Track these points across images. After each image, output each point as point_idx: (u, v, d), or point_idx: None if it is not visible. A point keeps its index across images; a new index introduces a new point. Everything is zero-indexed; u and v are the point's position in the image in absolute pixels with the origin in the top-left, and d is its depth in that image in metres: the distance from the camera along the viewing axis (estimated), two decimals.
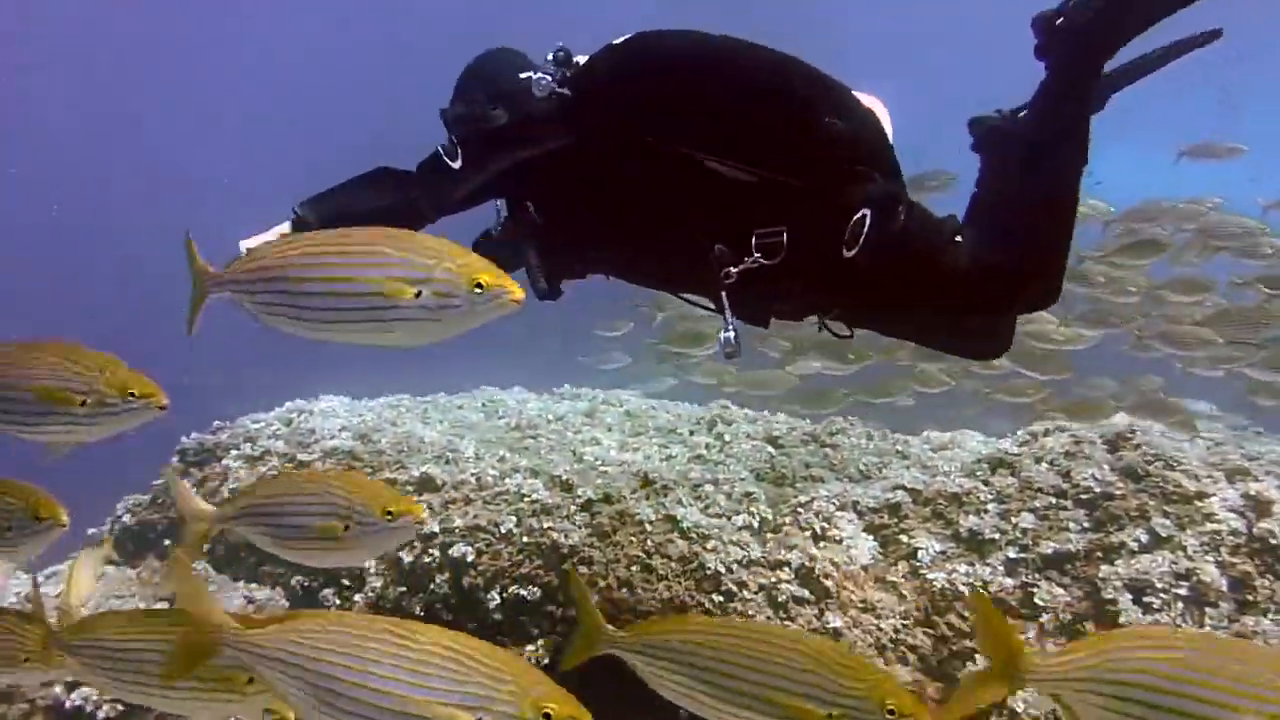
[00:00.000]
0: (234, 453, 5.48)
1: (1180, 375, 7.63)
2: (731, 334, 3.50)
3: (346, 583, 4.90)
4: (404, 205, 3.39)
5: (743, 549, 4.79)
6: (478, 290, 2.32)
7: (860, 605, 4.63)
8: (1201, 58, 3.38)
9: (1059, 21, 3.33)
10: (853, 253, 3.29)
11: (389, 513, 2.85)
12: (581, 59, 3.56)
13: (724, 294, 3.42)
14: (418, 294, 2.31)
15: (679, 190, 3.36)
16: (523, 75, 3.44)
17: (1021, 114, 3.52)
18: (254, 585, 4.70)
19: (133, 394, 2.59)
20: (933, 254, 3.37)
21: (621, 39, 3.56)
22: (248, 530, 3.03)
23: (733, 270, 3.35)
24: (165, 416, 2.70)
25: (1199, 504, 4.82)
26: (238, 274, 2.54)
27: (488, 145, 3.39)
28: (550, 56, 3.49)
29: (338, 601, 4.82)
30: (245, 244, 3.09)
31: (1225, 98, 19.09)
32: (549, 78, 3.38)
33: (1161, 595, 4.50)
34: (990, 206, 3.55)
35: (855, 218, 3.26)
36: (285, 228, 3.22)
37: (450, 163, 3.36)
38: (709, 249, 3.38)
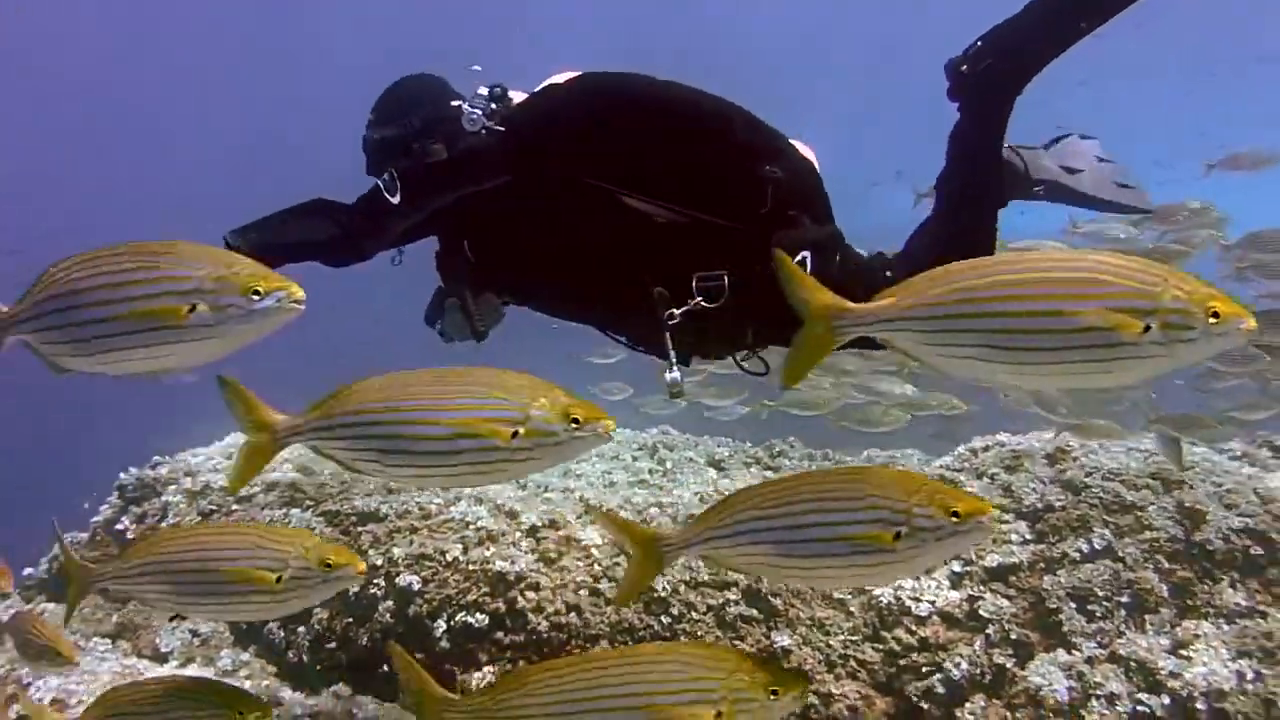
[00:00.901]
0: (174, 488, 5.42)
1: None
2: (677, 374, 3.55)
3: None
4: (340, 239, 3.38)
5: (690, 570, 4.79)
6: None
7: (808, 622, 4.64)
8: None
9: (963, 68, 3.57)
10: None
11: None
12: (517, 95, 3.58)
13: (667, 335, 3.48)
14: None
15: (619, 232, 3.42)
16: (454, 104, 3.47)
17: (974, 50, 3.58)
18: (199, 620, 4.63)
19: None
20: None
21: (563, 77, 3.59)
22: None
23: (675, 312, 3.41)
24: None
25: (1138, 513, 4.88)
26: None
27: (428, 180, 3.39)
28: (485, 90, 3.49)
29: (282, 634, 4.77)
30: None
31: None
32: (479, 111, 3.41)
33: (1104, 604, 4.55)
34: (919, 246, 3.71)
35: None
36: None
37: (390, 197, 3.35)
38: (649, 291, 3.43)
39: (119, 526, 5.43)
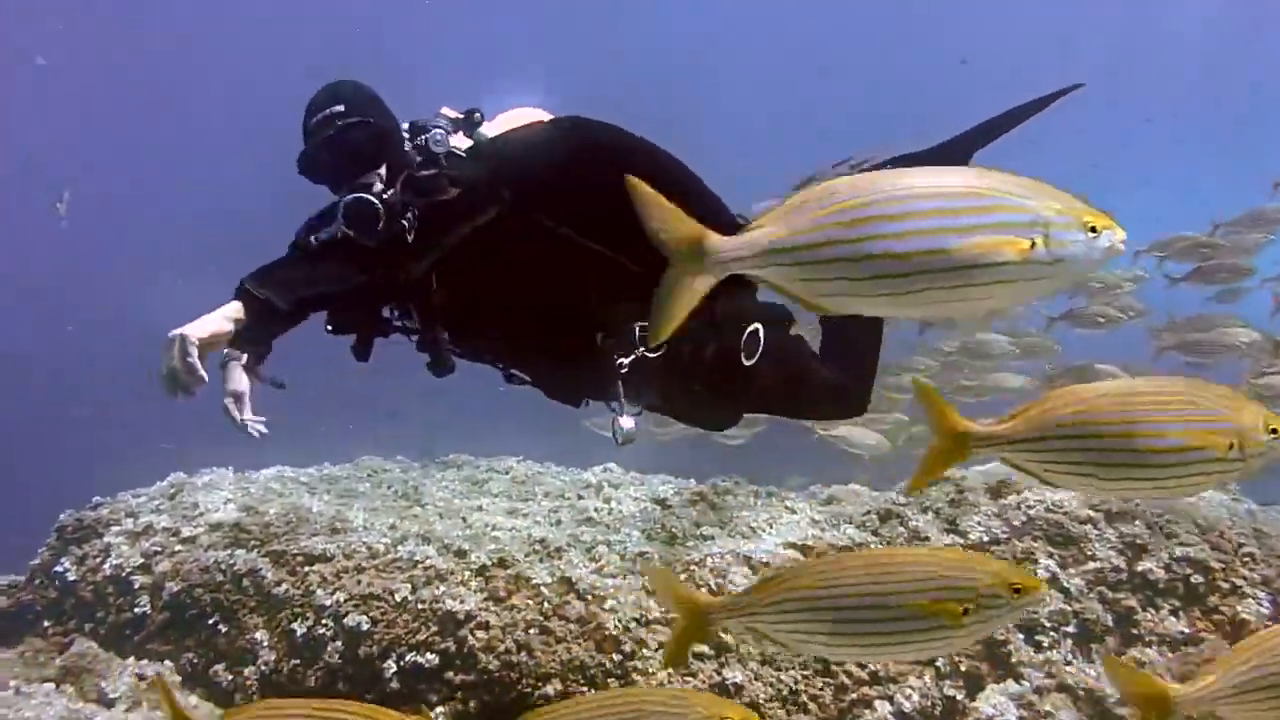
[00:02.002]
0: (115, 529, 5.33)
1: None
2: (631, 422, 3.63)
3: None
4: (368, 285, 3.38)
5: (640, 608, 4.79)
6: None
7: (760, 658, 4.65)
8: None
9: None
10: (752, 361, 3.74)
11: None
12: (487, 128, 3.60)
13: (620, 382, 3.60)
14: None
15: (574, 278, 3.51)
16: (432, 129, 3.46)
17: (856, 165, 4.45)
18: (145, 662, 4.55)
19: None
20: (804, 367, 4.01)
21: (528, 112, 3.66)
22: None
23: (624, 361, 3.51)
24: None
25: (1081, 545, 4.96)
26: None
27: (440, 218, 3.37)
28: (460, 114, 3.50)
29: (229, 677, 4.70)
30: (184, 331, 3.05)
31: None
32: (442, 132, 3.43)
33: (1051, 634, 4.61)
34: (838, 333, 4.19)
35: (749, 330, 3.70)
36: (235, 307, 3.20)
37: (406, 236, 3.33)
38: (594, 339, 3.52)
39: (59, 569, 5.31)
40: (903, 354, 8.20)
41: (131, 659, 4.57)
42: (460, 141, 3.51)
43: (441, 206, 3.33)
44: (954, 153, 4.06)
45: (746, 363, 3.72)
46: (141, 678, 4.33)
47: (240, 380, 3.37)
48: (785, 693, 4.54)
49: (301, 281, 3.34)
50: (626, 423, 3.66)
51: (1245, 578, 4.73)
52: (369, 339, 3.67)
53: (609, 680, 4.51)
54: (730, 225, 3.49)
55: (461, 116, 3.52)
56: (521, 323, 3.58)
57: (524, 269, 3.46)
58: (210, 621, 4.86)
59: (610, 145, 3.59)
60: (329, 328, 3.60)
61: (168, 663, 4.67)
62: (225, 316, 3.18)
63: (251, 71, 25.48)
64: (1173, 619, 4.67)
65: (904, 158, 4.14)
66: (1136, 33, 26.10)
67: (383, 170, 3.38)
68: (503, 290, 3.52)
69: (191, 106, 27.85)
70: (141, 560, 5.16)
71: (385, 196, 3.31)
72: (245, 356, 3.45)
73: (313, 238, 3.43)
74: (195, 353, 3.05)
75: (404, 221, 3.30)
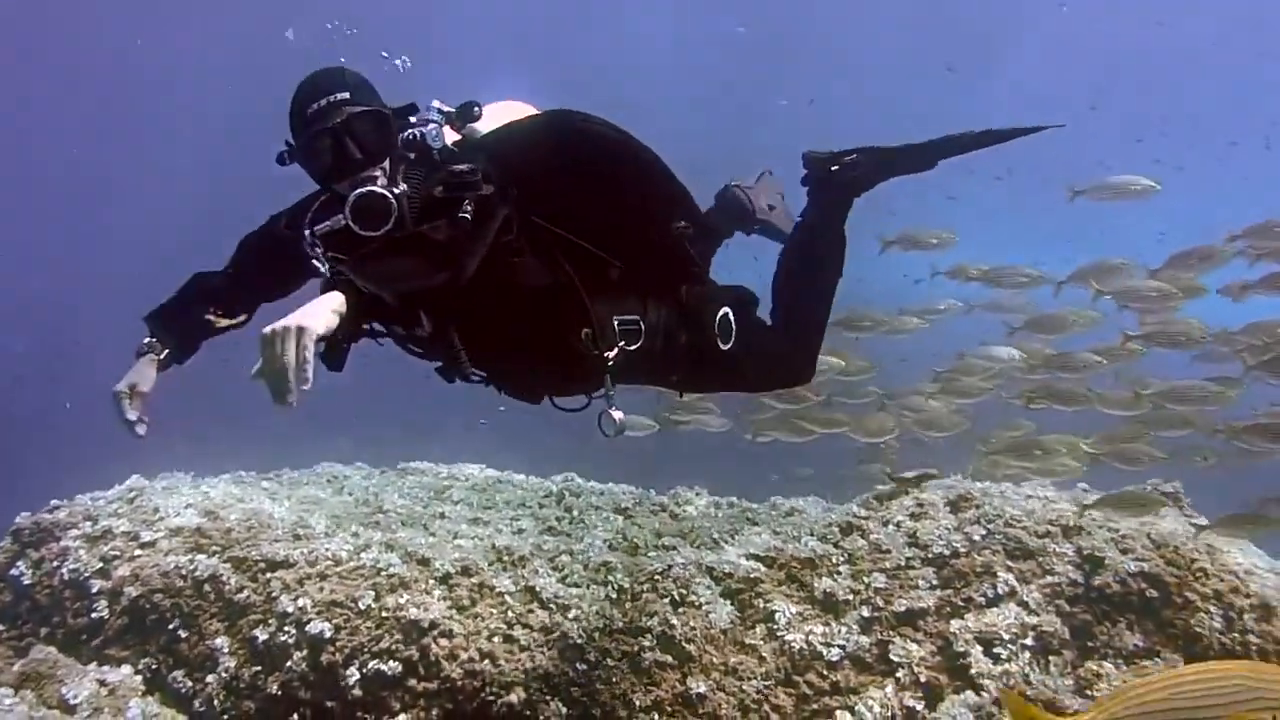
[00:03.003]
0: (73, 532, 5.27)
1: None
2: (620, 414, 3.66)
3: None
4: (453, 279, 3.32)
5: (604, 618, 4.81)
6: None
7: (722, 669, 4.68)
8: None
9: (834, 168, 4.51)
10: (729, 345, 3.85)
11: None
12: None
13: (608, 375, 3.63)
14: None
15: (557, 274, 3.49)
16: (428, 124, 3.43)
17: (849, 157, 4.53)
18: (106, 668, 4.50)
19: None
20: (769, 345, 4.14)
21: (516, 106, 3.67)
22: None
23: (609, 355, 3.53)
24: None
25: (1039, 559, 5.03)
26: None
27: (484, 215, 3.29)
28: (453, 109, 3.46)
29: (189, 683, 4.66)
30: (304, 323, 2.86)
31: None
32: (435, 125, 3.42)
33: (1009, 646, 4.67)
34: (788, 306, 4.30)
35: (720, 314, 3.81)
36: (337, 300, 2.98)
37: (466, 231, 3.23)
38: (579, 334, 3.53)
39: (14, 572, 5.24)
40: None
41: (93, 665, 4.51)
42: (450, 135, 3.49)
43: (485, 203, 3.26)
44: (926, 155, 4.48)
45: (723, 347, 3.83)
46: (103, 684, 4.28)
47: (148, 376, 3.40)
48: (749, 702, 4.57)
49: (402, 275, 3.23)
50: (617, 415, 3.70)
51: (1198, 592, 4.81)
52: (349, 345, 3.65)
53: (572, 689, 4.52)
54: (682, 198, 3.73)
55: (454, 110, 3.48)
56: (516, 320, 3.58)
57: (518, 267, 3.46)
58: (170, 627, 4.83)
59: (599, 140, 3.62)
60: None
61: (126, 668, 4.61)
62: (332, 309, 2.96)
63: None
64: (1129, 633, 4.73)
65: (876, 149, 4.52)
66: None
67: (386, 164, 3.32)
68: (498, 288, 3.51)
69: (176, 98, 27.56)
70: (100, 565, 5.11)
71: (396, 191, 3.24)
72: (165, 353, 3.49)
73: (309, 230, 3.29)
74: (312, 350, 2.82)
75: (465, 215, 3.20)
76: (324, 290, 3.14)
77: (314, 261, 3.27)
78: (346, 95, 3.30)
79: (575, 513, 6.52)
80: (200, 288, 3.66)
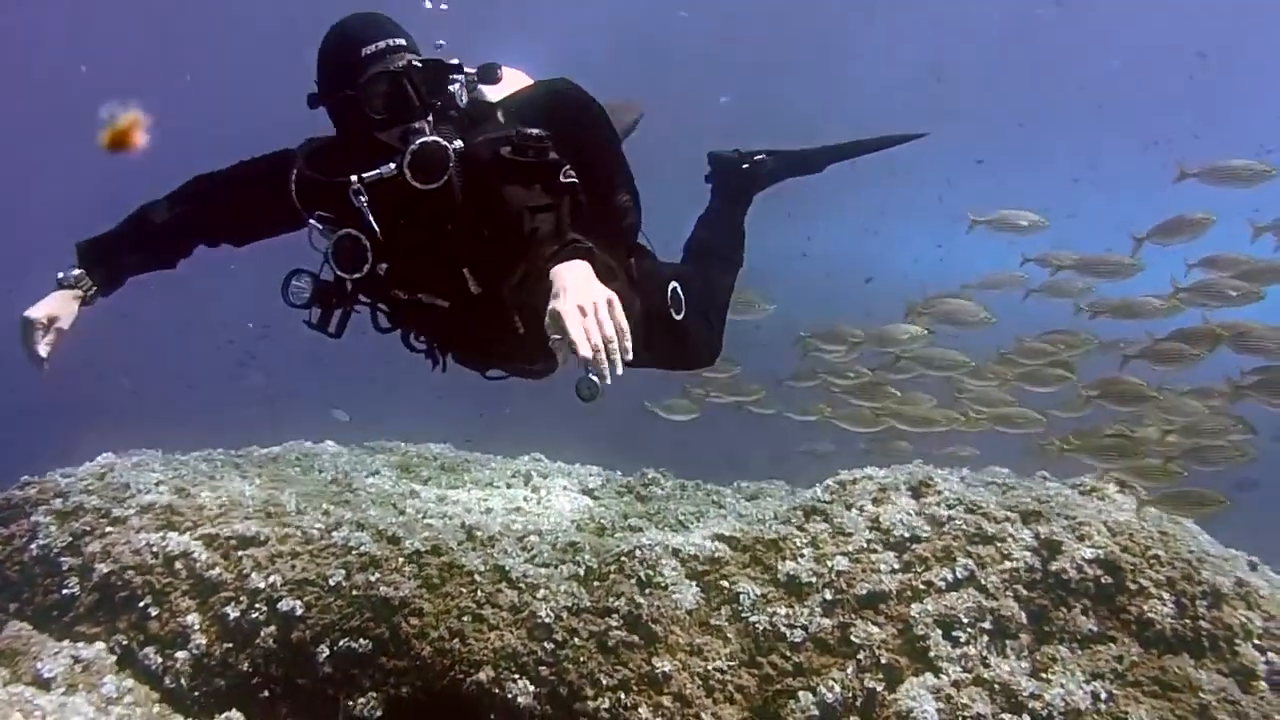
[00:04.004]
0: (44, 508, 5.29)
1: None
2: (595, 377, 3.68)
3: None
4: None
5: (572, 597, 4.88)
6: None
7: (687, 649, 4.76)
8: None
9: (744, 166, 5.05)
10: (681, 316, 4.03)
11: None
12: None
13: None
14: None
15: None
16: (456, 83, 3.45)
17: (758, 157, 5.06)
18: (80, 644, 4.53)
19: None
20: (700, 322, 4.28)
21: (520, 79, 3.83)
22: None
23: None
24: None
25: (998, 545, 5.13)
26: None
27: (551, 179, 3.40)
28: (474, 70, 3.47)
29: (159, 660, 4.70)
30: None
31: None
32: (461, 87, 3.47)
33: (968, 630, 4.77)
34: (701, 294, 4.36)
35: (670, 287, 3.99)
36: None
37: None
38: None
39: None
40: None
41: (66, 642, 4.54)
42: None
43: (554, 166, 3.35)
44: (819, 158, 5.20)
45: (677, 317, 3.98)
46: (77, 660, 4.31)
47: (70, 313, 3.37)
48: (713, 682, 4.66)
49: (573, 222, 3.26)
50: (594, 378, 3.72)
51: (1152, 579, 4.93)
52: (348, 312, 3.72)
53: (540, 668, 4.59)
54: (627, 171, 3.91)
55: (475, 71, 3.47)
56: (499, 280, 3.57)
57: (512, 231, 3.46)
58: (141, 604, 4.85)
59: (588, 109, 3.80)
60: (310, 300, 3.59)
61: (99, 644, 4.64)
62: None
63: None
64: (1084, 618, 4.85)
65: (782, 151, 5.13)
66: None
67: (431, 116, 3.34)
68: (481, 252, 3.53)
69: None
70: (71, 541, 5.13)
71: (456, 145, 3.28)
72: (92, 291, 3.46)
73: (355, 177, 3.30)
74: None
75: (571, 179, 3.32)
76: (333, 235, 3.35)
77: (359, 210, 3.31)
78: (403, 42, 3.31)
79: (542, 493, 6.59)
80: (146, 225, 3.62)
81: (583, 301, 2.73)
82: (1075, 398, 7.30)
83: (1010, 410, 7.53)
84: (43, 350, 3.27)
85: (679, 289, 4.03)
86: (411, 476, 6.84)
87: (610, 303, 2.76)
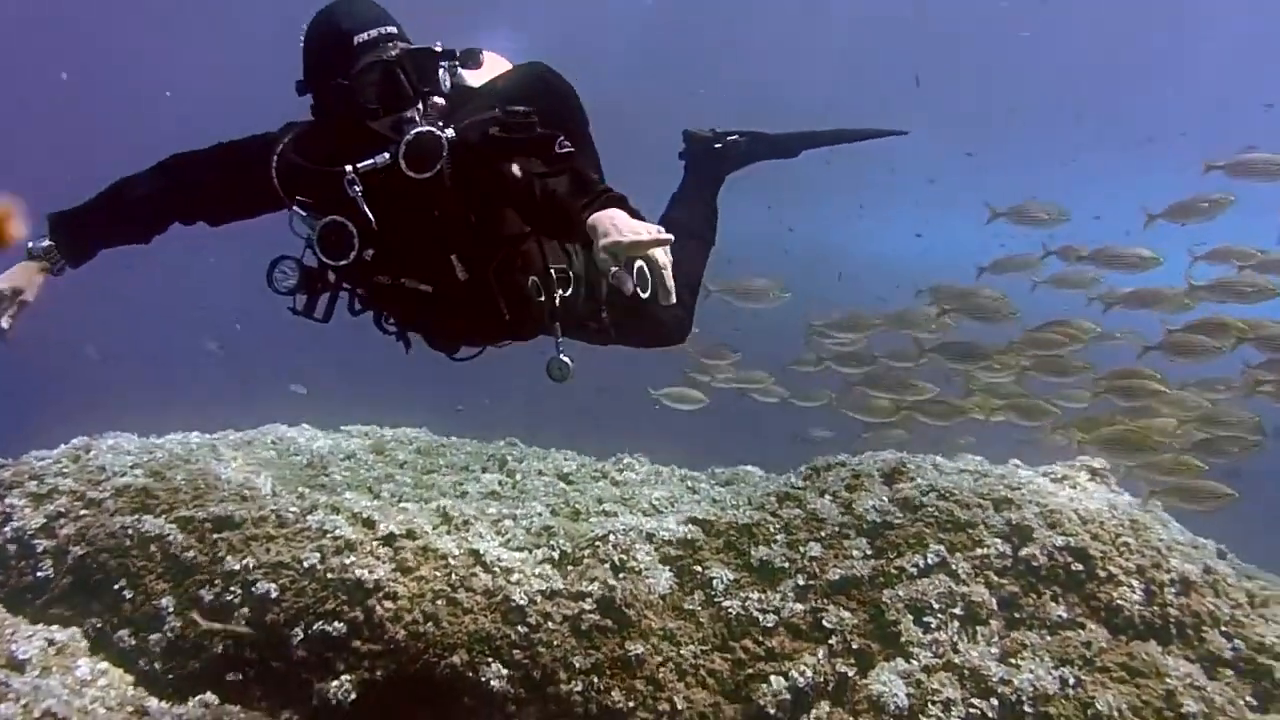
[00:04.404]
0: (18, 491, 5.28)
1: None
2: (568, 359, 3.78)
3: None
4: None
5: (545, 581, 4.90)
6: None
7: (660, 633, 4.79)
8: None
9: (718, 146, 5.20)
10: (648, 294, 3.82)
11: None
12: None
13: (557, 321, 3.82)
14: None
15: (521, 223, 3.65)
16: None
17: (731, 138, 5.20)
18: (55, 627, 4.52)
19: None
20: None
21: (499, 62, 3.89)
22: None
23: (557, 298, 3.67)
24: None
25: (970, 531, 5.17)
26: None
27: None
28: (458, 53, 3.50)
29: (133, 642, 4.71)
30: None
31: None
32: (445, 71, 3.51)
33: (939, 615, 4.81)
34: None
35: (636, 265, 3.86)
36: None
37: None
38: (528, 281, 3.67)
39: None
40: None
41: (41, 625, 4.54)
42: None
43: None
44: (793, 143, 5.34)
45: (643, 295, 3.93)
46: (51, 642, 4.31)
47: (35, 285, 3.39)
48: (686, 667, 4.69)
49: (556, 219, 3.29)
50: (565, 359, 3.83)
51: (1122, 567, 4.98)
52: (335, 298, 3.76)
53: (514, 652, 4.61)
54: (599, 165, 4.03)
55: (458, 56, 3.50)
56: (484, 265, 3.68)
57: (505, 214, 3.60)
58: (116, 586, 4.86)
59: (564, 94, 3.91)
60: (295, 285, 3.64)
61: (73, 628, 4.64)
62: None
63: None
64: (1054, 604, 4.89)
65: (757, 133, 5.29)
66: None
67: (420, 104, 3.38)
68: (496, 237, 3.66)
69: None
70: (45, 523, 5.12)
71: (449, 134, 3.33)
72: (60, 265, 3.49)
73: (351, 166, 3.33)
74: None
75: (568, 149, 3.33)
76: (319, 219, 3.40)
77: (350, 198, 3.36)
78: (395, 30, 3.36)
79: (517, 477, 6.60)
80: (121, 200, 3.63)
81: (638, 231, 2.81)
82: (1087, 389, 7.38)
83: (1026, 402, 7.59)
84: (4, 323, 3.28)
85: (645, 267, 4.06)
86: (387, 460, 6.84)
87: (662, 230, 2.84)
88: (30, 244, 3.43)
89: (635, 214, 3.00)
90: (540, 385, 3.93)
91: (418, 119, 3.35)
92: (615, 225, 2.84)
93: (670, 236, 2.81)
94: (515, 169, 3.30)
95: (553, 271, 3.78)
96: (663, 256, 2.83)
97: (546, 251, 3.79)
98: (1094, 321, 7.46)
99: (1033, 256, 8.25)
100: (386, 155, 3.30)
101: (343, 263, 3.49)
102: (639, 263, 4.00)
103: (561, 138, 3.36)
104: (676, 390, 9.73)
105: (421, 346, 3.99)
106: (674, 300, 2.86)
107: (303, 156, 3.49)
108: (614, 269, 2.81)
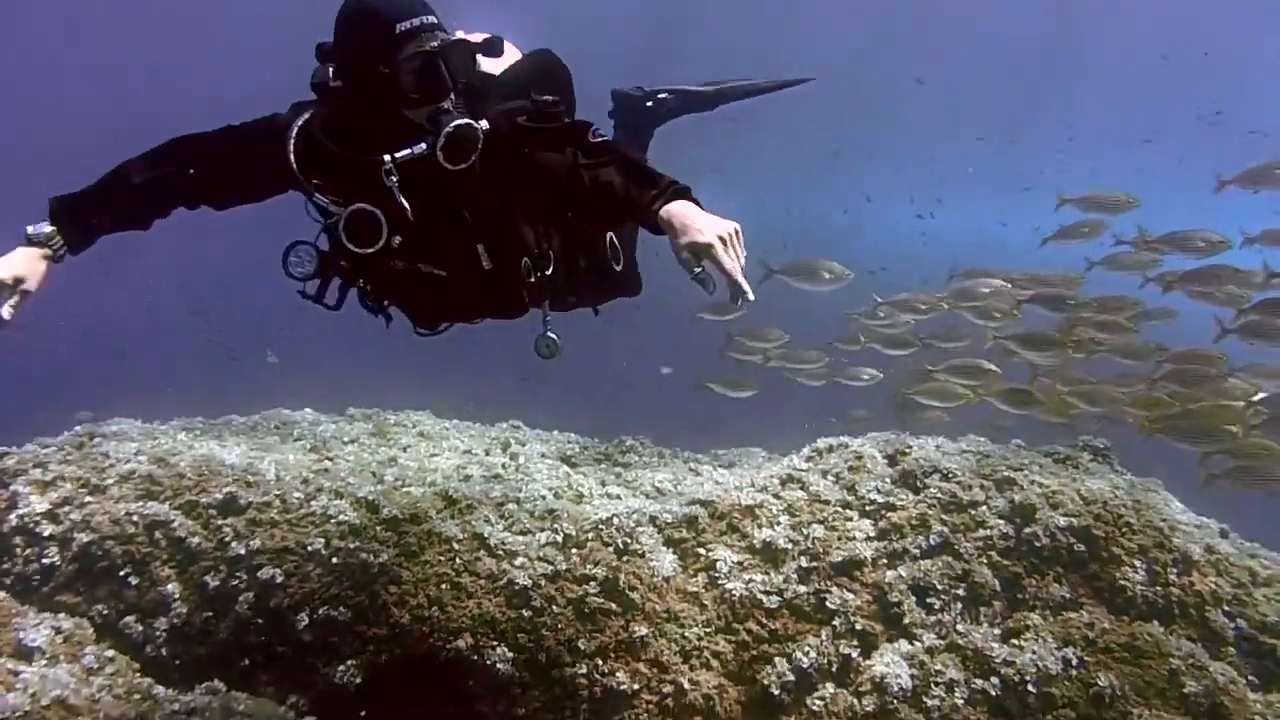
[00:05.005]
0: (23, 479, 5.28)
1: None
2: (554, 335, 3.87)
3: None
4: None
5: (550, 564, 4.92)
6: None
7: (664, 615, 4.80)
8: None
9: (648, 104, 5.35)
10: (620, 267, 4.28)
11: None
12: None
13: (546, 298, 3.96)
14: None
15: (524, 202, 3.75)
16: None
17: (661, 95, 5.36)
18: (62, 615, 4.53)
19: None
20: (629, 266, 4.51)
21: (510, 51, 3.92)
22: None
23: (546, 275, 3.88)
24: None
25: (972, 512, 5.18)
26: None
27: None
28: (472, 38, 3.53)
29: (140, 628, 4.72)
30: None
31: None
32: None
33: (942, 597, 4.83)
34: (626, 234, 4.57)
35: (608, 239, 4.23)
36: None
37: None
38: (520, 259, 3.79)
39: None
40: None
41: (48, 614, 4.54)
42: None
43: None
44: (713, 99, 5.54)
45: (616, 268, 4.23)
46: (58, 631, 4.31)
47: (37, 274, 3.31)
48: (690, 649, 4.70)
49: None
50: (553, 336, 3.99)
51: (1124, 547, 4.99)
52: (347, 284, 3.81)
53: (519, 635, 4.63)
54: None
55: (479, 45, 3.53)
56: (509, 252, 3.80)
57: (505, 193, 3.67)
58: (121, 573, 4.85)
59: (565, 83, 4.08)
60: (312, 270, 3.68)
61: (77, 616, 4.63)
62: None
63: None
64: (1056, 585, 4.91)
65: (683, 90, 5.48)
66: None
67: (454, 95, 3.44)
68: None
69: None
70: (50, 509, 5.11)
71: (484, 126, 3.40)
72: (62, 250, 3.41)
73: (389, 155, 3.37)
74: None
75: (602, 137, 3.46)
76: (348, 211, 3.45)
77: (384, 186, 3.41)
78: (435, 19, 3.37)
79: (520, 460, 6.61)
80: (125, 184, 3.59)
81: (721, 233, 2.95)
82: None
83: (1093, 389, 7.59)
84: (5, 313, 3.21)
85: (615, 240, 4.27)
86: (390, 444, 6.85)
87: (739, 232, 2.99)
88: (30, 229, 3.37)
89: (699, 205, 3.11)
90: (543, 369, 3.98)
91: (452, 109, 3.39)
92: (693, 223, 2.98)
93: (741, 235, 3.00)
94: (554, 157, 3.41)
95: (550, 252, 3.88)
96: (739, 257, 2.96)
97: (537, 232, 3.87)
98: (1219, 351, 7.40)
99: (1096, 221, 8.25)
100: (424, 145, 3.34)
101: (369, 250, 3.52)
102: (609, 234, 4.18)
103: (596, 127, 3.46)
104: (728, 379, 9.78)
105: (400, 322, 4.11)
106: (753, 299, 2.99)
107: (331, 140, 3.50)
108: (697, 269, 2.95)
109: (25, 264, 3.30)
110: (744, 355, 9.40)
